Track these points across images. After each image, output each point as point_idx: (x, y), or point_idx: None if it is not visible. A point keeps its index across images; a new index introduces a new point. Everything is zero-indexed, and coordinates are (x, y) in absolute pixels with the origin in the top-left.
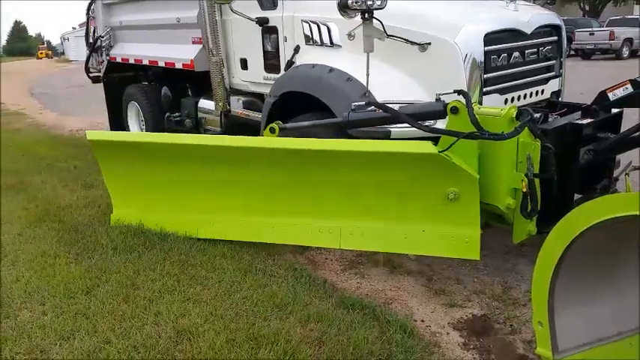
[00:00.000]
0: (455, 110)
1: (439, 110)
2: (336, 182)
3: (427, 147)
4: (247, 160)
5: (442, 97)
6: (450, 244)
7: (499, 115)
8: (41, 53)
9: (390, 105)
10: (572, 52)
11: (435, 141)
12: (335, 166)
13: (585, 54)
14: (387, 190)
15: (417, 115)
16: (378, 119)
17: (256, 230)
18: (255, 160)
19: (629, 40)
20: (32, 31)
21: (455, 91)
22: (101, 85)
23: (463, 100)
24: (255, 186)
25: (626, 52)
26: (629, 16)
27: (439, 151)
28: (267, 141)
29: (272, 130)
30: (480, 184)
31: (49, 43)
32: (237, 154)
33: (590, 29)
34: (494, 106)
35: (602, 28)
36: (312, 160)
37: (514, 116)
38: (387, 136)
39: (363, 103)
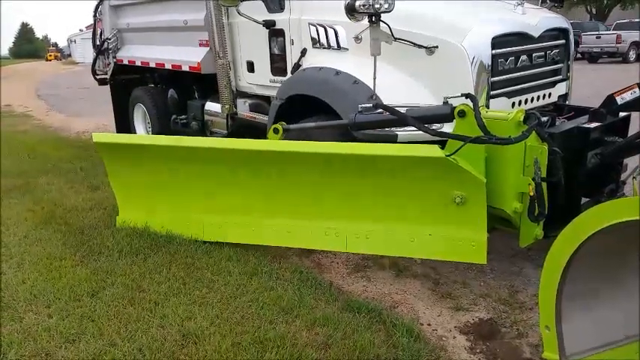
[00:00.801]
0: (462, 114)
1: (446, 113)
2: (342, 185)
3: (434, 151)
4: (254, 163)
5: (449, 101)
6: (457, 248)
7: (506, 119)
8: (50, 55)
9: (397, 108)
10: (579, 56)
11: (443, 144)
12: (341, 169)
13: (592, 57)
14: (394, 193)
15: (424, 118)
16: (385, 122)
17: (263, 233)
18: (262, 163)
19: (635, 44)
20: (39, 33)
21: (462, 95)
22: (107, 87)
23: (470, 104)
24: (262, 189)
25: (632, 55)
26: (635, 20)
27: (446, 155)
28: (274, 144)
29: (275, 131)
30: (487, 187)
31: (56, 45)
32: (243, 157)
33: (596, 33)
34: (502, 110)
35: (608, 32)
36: (320, 163)
37: (521, 120)
38: (393, 139)
39: (370, 105)
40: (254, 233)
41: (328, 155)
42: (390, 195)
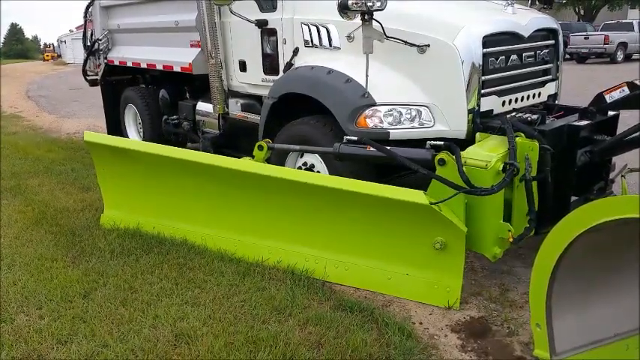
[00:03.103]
0: (442, 162)
1: (427, 159)
2: (323, 216)
3: (419, 197)
4: (235, 181)
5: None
6: (432, 292)
7: (485, 168)
8: (47, 55)
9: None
10: (568, 56)
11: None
12: (326, 200)
13: (580, 58)
14: (376, 231)
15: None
16: (370, 156)
17: (243, 250)
18: (244, 183)
19: (623, 44)
20: (28, 34)
21: (444, 144)
22: (98, 88)
23: (453, 156)
24: (243, 207)
25: (620, 56)
26: (623, 21)
27: (430, 203)
28: (260, 167)
29: (260, 148)
30: (467, 233)
31: (52, 45)
32: (226, 175)
33: (584, 33)
34: (480, 157)
35: (596, 33)
36: (303, 191)
37: (500, 169)
38: (385, 137)
39: (355, 138)
40: (234, 249)
41: (313, 186)
42: (371, 232)
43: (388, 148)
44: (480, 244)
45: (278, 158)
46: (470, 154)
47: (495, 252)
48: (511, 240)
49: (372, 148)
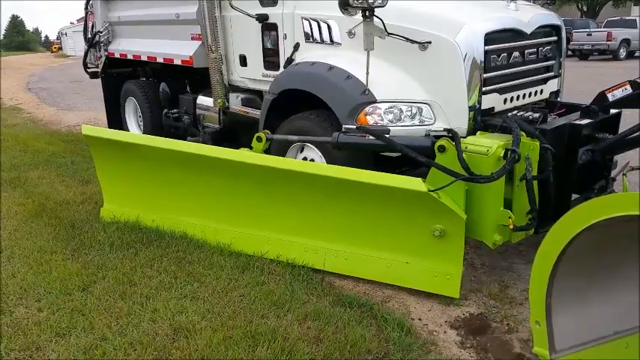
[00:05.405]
0: (442, 149)
1: (427, 146)
2: (324, 205)
3: (417, 184)
4: (235, 173)
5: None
6: (432, 279)
7: (487, 154)
8: (55, 47)
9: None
10: (570, 53)
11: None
12: (325, 190)
13: (583, 55)
14: (375, 220)
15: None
16: (368, 145)
17: (242, 241)
18: (243, 174)
19: (626, 41)
20: (29, 26)
21: (445, 130)
22: (99, 80)
23: (452, 143)
24: (243, 199)
25: (623, 53)
26: (626, 17)
27: (429, 190)
28: (258, 158)
29: (259, 139)
30: (467, 220)
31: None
32: (225, 166)
33: (587, 30)
34: (481, 143)
35: (599, 29)
36: (301, 181)
37: (501, 155)
38: (386, 133)
39: (354, 127)
40: (233, 241)
41: (311, 175)
42: (370, 221)
43: (387, 135)
44: (480, 231)
45: (278, 153)
46: (471, 140)
47: (495, 239)
48: (512, 227)
49: (370, 137)
